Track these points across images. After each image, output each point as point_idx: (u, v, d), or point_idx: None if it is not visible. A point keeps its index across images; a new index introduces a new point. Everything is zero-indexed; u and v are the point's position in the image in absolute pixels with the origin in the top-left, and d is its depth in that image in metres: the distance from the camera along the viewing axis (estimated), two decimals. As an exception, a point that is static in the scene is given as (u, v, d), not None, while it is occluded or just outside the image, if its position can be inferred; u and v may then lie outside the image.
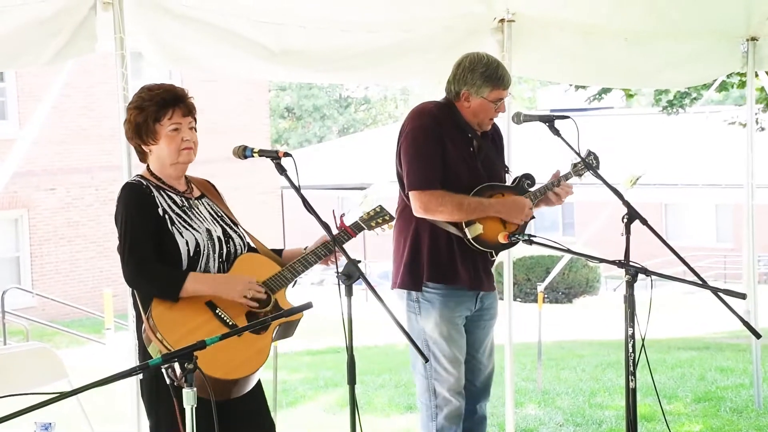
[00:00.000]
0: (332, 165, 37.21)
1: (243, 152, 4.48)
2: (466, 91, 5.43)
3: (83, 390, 3.31)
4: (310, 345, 15.04)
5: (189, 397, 3.55)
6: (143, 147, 4.45)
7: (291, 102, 52.33)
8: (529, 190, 5.56)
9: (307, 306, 3.99)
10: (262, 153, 4.44)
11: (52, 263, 24.20)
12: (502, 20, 6.84)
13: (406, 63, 6.83)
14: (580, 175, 5.62)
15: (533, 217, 5.55)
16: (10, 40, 5.34)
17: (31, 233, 23.98)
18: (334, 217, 4.66)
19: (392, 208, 5.44)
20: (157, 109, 4.37)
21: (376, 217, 4.85)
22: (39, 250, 24.04)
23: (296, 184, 4.31)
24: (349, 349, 4.27)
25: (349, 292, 4.29)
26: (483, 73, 5.40)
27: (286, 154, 4.40)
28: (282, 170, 4.39)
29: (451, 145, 5.38)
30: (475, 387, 5.69)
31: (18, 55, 5.49)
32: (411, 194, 5.35)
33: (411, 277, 5.48)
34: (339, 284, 4.31)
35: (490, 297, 5.67)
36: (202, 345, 3.52)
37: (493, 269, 5.71)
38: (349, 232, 4.75)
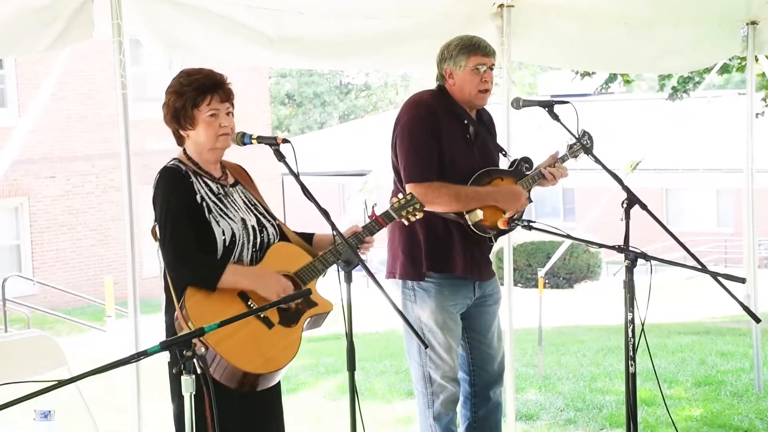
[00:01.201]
0: (333, 151, 37.18)
1: (241, 139, 4.46)
2: (447, 67, 5.48)
3: (82, 377, 3.31)
4: (310, 331, 15.04)
5: (187, 385, 3.55)
6: (180, 132, 4.45)
7: (291, 89, 52.27)
8: (527, 173, 5.56)
9: (307, 293, 4.00)
10: (261, 140, 4.42)
11: (53, 251, 24.21)
12: (501, 5, 6.82)
13: (405, 49, 6.81)
14: (576, 157, 5.62)
15: (531, 200, 5.56)
16: (7, 28, 5.32)
17: (31, 221, 23.98)
18: (366, 207, 4.65)
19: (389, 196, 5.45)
20: (196, 94, 4.38)
21: (407, 206, 4.78)
22: (39, 237, 24.04)
23: (295, 171, 4.30)
24: (349, 336, 4.27)
25: (349, 279, 4.29)
26: (457, 45, 5.48)
27: (285, 141, 4.37)
28: (281, 157, 4.37)
29: (447, 134, 5.38)
30: (488, 374, 5.72)
31: (15, 43, 5.47)
32: (408, 187, 5.34)
33: (413, 268, 5.48)
34: (339, 271, 4.31)
35: (490, 283, 5.68)
36: (200, 332, 3.52)
37: (492, 255, 5.72)
38: (380, 221, 4.72)
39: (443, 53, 5.52)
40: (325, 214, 4.36)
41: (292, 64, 7.38)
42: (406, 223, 4.86)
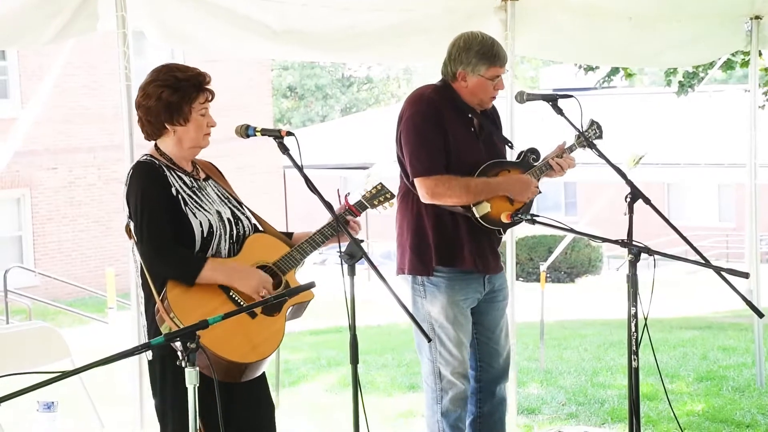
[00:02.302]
0: (335, 144, 37.16)
1: (245, 131, 4.47)
2: (463, 70, 5.39)
3: (85, 369, 3.31)
4: (311, 325, 15.06)
5: (191, 377, 3.55)
6: (167, 126, 4.39)
7: (293, 81, 52.24)
8: (534, 164, 5.54)
9: (310, 285, 4.00)
10: (265, 132, 4.42)
11: (55, 242, 24.21)
12: (505, -1, 6.83)
13: (408, 42, 6.81)
14: (584, 146, 5.58)
15: (540, 192, 5.54)
16: (11, 19, 5.32)
17: (33, 212, 23.99)
18: (339, 196, 4.65)
19: (396, 188, 5.44)
20: (194, 90, 4.35)
21: (378, 195, 4.83)
22: (41, 229, 24.05)
23: (299, 164, 4.30)
24: (352, 329, 4.27)
25: (352, 272, 4.29)
26: (478, 52, 5.37)
27: (289, 133, 4.38)
28: (284, 149, 4.37)
29: (451, 128, 5.35)
30: (494, 369, 5.70)
31: (20, 34, 5.48)
32: (416, 181, 5.32)
33: (421, 263, 5.45)
34: (341, 264, 4.31)
35: (499, 278, 5.66)
36: (204, 324, 3.52)
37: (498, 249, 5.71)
38: (354, 211, 4.74)
39: (461, 56, 5.38)
40: (329, 206, 4.37)
41: (295, 56, 7.41)
42: (377, 212, 4.88)
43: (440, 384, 5.51)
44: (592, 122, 5.60)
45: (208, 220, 4.37)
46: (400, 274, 5.57)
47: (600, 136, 5.62)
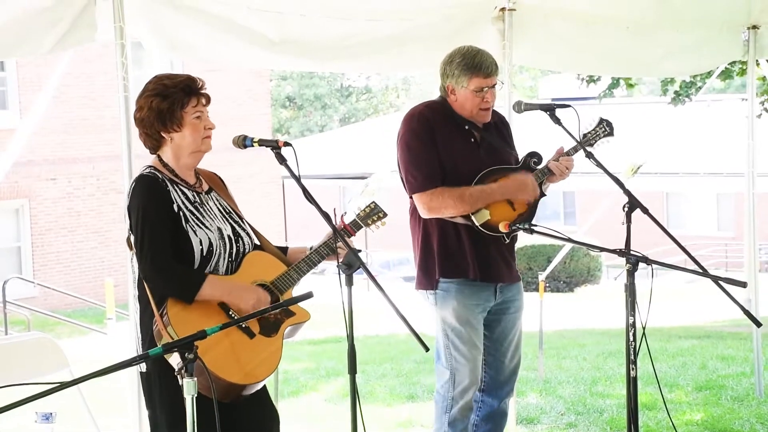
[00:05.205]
0: (333, 154, 37.17)
1: (243, 142, 4.47)
2: (450, 84, 5.41)
3: (84, 379, 3.31)
4: (311, 335, 15.05)
5: (189, 387, 3.54)
6: (163, 134, 4.39)
7: (292, 91, 52.29)
8: (536, 168, 5.53)
9: (308, 296, 4.00)
10: (262, 142, 4.43)
11: (54, 253, 24.20)
12: (502, 9, 6.83)
13: (406, 52, 6.82)
14: (591, 145, 5.52)
15: (544, 194, 5.52)
16: (10, 29, 5.33)
17: (32, 223, 23.98)
18: (335, 215, 4.66)
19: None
20: (183, 95, 4.35)
21: (371, 215, 4.84)
22: (40, 239, 24.04)
23: (296, 174, 4.30)
24: (350, 339, 4.27)
25: (350, 282, 4.29)
26: (460, 63, 5.37)
27: (286, 144, 4.38)
28: (282, 160, 4.38)
29: (445, 141, 5.36)
30: (499, 383, 5.73)
31: (18, 45, 5.48)
32: (414, 198, 5.39)
33: (426, 277, 5.51)
34: (340, 274, 4.31)
35: (512, 288, 5.65)
36: (202, 335, 3.52)
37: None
38: (350, 230, 4.75)
39: (445, 69, 5.42)
40: (326, 217, 4.37)
41: (293, 66, 7.40)
42: (371, 231, 4.90)
43: (452, 393, 5.52)
44: (602, 120, 5.56)
45: (209, 238, 4.36)
46: (416, 289, 5.62)
47: (611, 134, 5.58)
